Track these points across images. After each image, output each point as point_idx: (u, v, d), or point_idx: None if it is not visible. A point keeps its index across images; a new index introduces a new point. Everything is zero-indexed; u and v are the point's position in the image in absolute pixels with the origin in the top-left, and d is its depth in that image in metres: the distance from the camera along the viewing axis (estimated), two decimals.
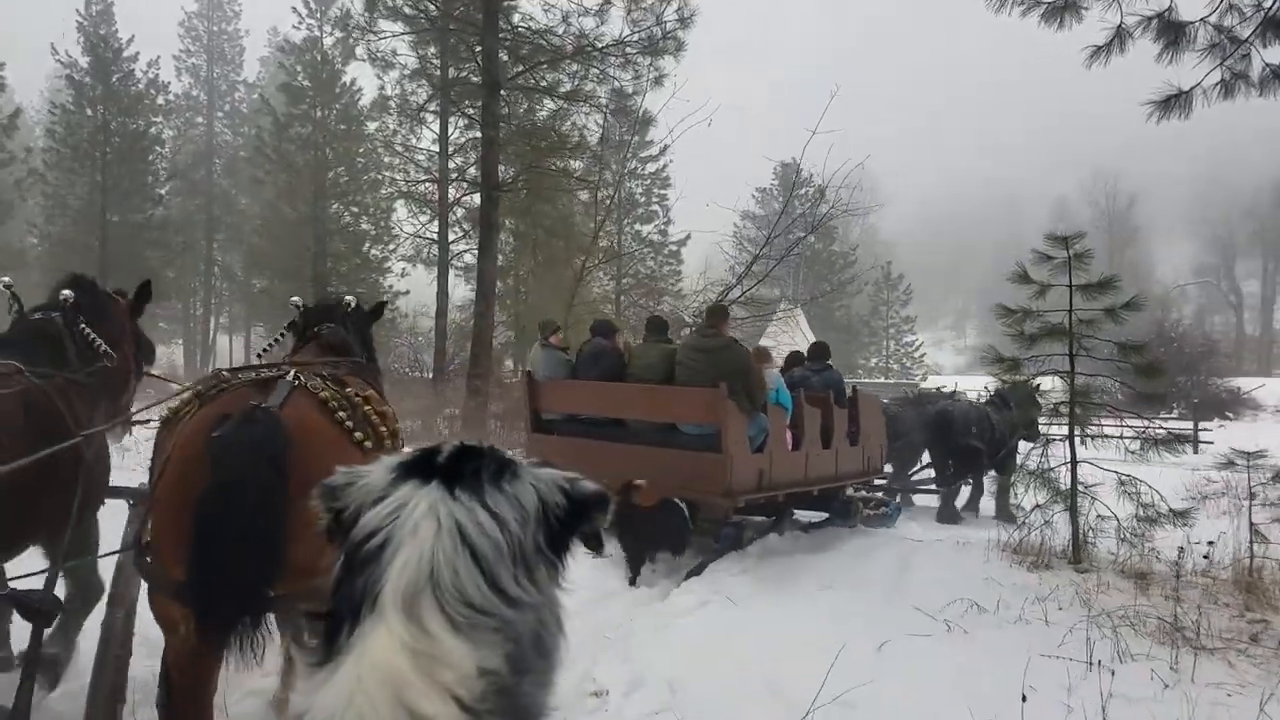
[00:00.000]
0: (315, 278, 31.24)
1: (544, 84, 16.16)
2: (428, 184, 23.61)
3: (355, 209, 33.81)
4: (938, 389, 18.21)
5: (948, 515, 11.43)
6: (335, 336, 4.00)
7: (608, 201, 16.22)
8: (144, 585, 3.11)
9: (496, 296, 18.50)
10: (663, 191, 28.88)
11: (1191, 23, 7.88)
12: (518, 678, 1.01)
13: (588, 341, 8.58)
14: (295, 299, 4.44)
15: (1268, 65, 7.62)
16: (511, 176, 16.23)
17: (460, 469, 1.13)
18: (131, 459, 8.90)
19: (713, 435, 7.20)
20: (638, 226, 30.41)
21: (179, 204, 40.00)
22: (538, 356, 9.00)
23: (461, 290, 27.57)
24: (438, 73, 20.49)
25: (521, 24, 15.80)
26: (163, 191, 35.83)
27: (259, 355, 3.90)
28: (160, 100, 36.12)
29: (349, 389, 3.25)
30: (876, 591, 6.45)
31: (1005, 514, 10.67)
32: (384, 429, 3.21)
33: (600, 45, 15.12)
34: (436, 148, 22.77)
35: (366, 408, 3.18)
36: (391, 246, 32.73)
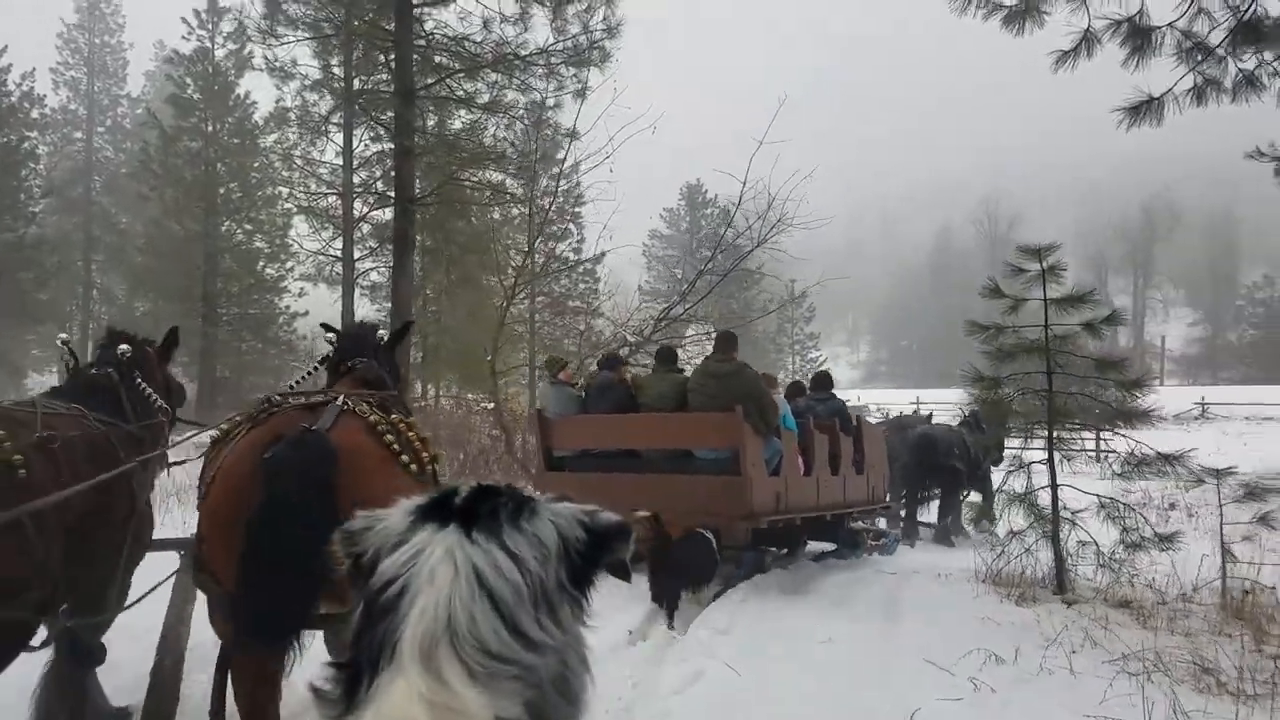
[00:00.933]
0: (205, 298, 29.41)
1: (461, 94, 15.27)
2: (331, 199, 22.29)
3: (249, 226, 32.03)
4: (915, 412, 18.49)
5: (942, 538, 11.75)
6: (370, 372, 3.92)
7: (539, 218, 15.36)
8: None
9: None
10: (577, 209, 28.08)
11: (1160, 28, 7.63)
12: None
13: (594, 375, 8.72)
14: (330, 335, 4.34)
15: (1241, 71, 7.41)
16: (427, 190, 15.20)
17: (477, 510, 1.11)
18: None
19: (729, 459, 7.28)
20: (552, 244, 29.61)
21: (55, 222, 37.29)
22: (548, 394, 9.07)
23: (366, 309, 26.15)
24: (341, 83, 19.32)
25: (437, 30, 14.89)
26: (37, 209, 33.32)
27: (293, 385, 3.93)
28: (35, 114, 34.03)
29: (393, 415, 3.28)
30: (880, 644, 5.81)
31: (945, 538, 11.57)
32: (425, 454, 3.18)
33: (522, 54, 14.31)
34: (340, 161, 21.49)
35: (410, 433, 3.18)
36: (289, 265, 31.04)
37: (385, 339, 4.27)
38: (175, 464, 4.40)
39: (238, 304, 31.74)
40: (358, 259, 22.45)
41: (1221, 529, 7.74)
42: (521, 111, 15.20)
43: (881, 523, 11.45)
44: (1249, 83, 7.34)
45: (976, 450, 11.89)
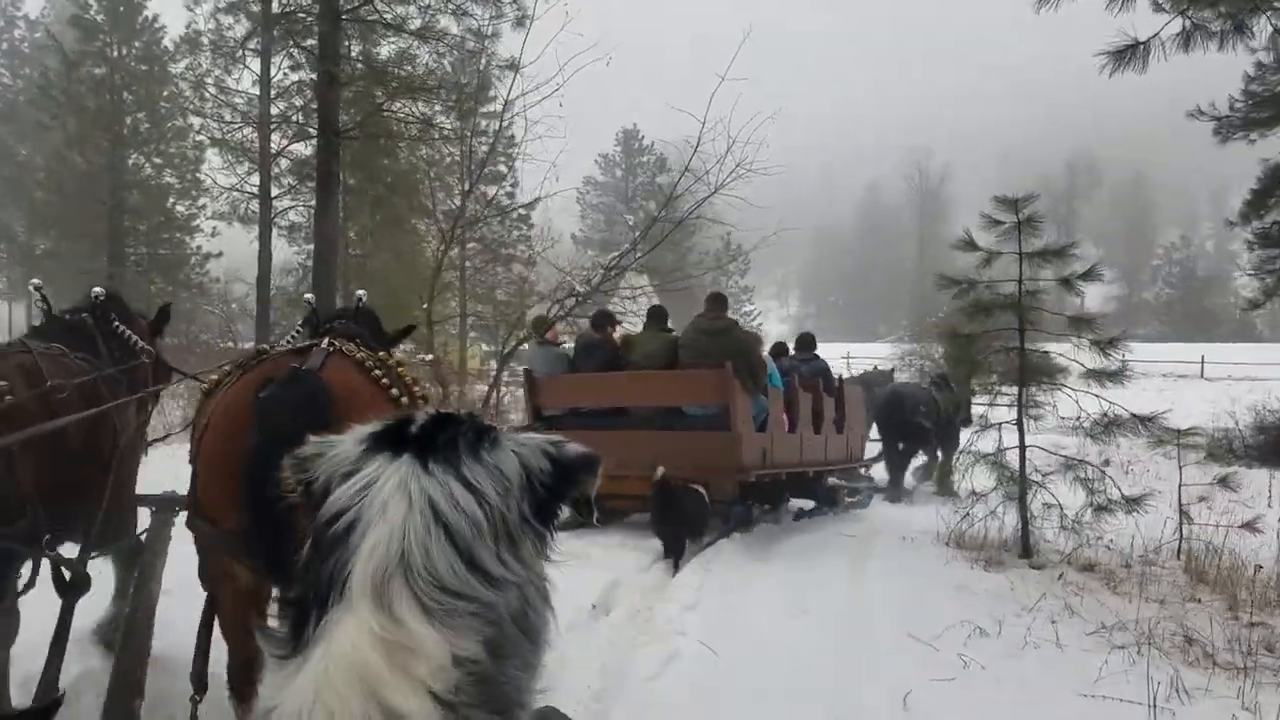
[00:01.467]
0: (111, 236, 27.63)
1: (390, 18, 14.20)
2: (247, 131, 20.87)
3: (158, 160, 30.11)
4: (875, 369, 18.57)
5: (895, 496, 11.77)
6: (349, 330, 3.75)
7: (478, 157, 14.44)
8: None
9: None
10: (514, 150, 26.99)
11: None
12: (499, 663, 0.95)
13: (583, 333, 8.92)
14: (308, 296, 4.56)
15: (1229, 16, 7.07)
16: (353, 122, 14.16)
17: (434, 439, 1.05)
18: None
19: (719, 415, 7.41)
20: (482, 188, 28.39)
21: None
22: (535, 353, 9.21)
23: (285, 252, 24.84)
24: (260, 5, 17.93)
25: None
26: None
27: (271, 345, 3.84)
28: None
29: (380, 353, 3.33)
30: (858, 617, 5.44)
31: (897, 496, 11.68)
32: (417, 389, 3.24)
33: None
34: (257, 90, 20.04)
35: (401, 369, 3.24)
36: (201, 202, 29.31)
37: (362, 304, 4.21)
38: (157, 440, 4.52)
39: (146, 243, 29.98)
40: (275, 197, 21.14)
41: (1180, 491, 7.60)
42: (457, 39, 14.22)
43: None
44: (1238, 30, 7.01)
45: (947, 408, 11.93)
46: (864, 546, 7.45)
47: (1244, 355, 40.03)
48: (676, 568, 6.48)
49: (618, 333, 9.10)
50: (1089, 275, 7.36)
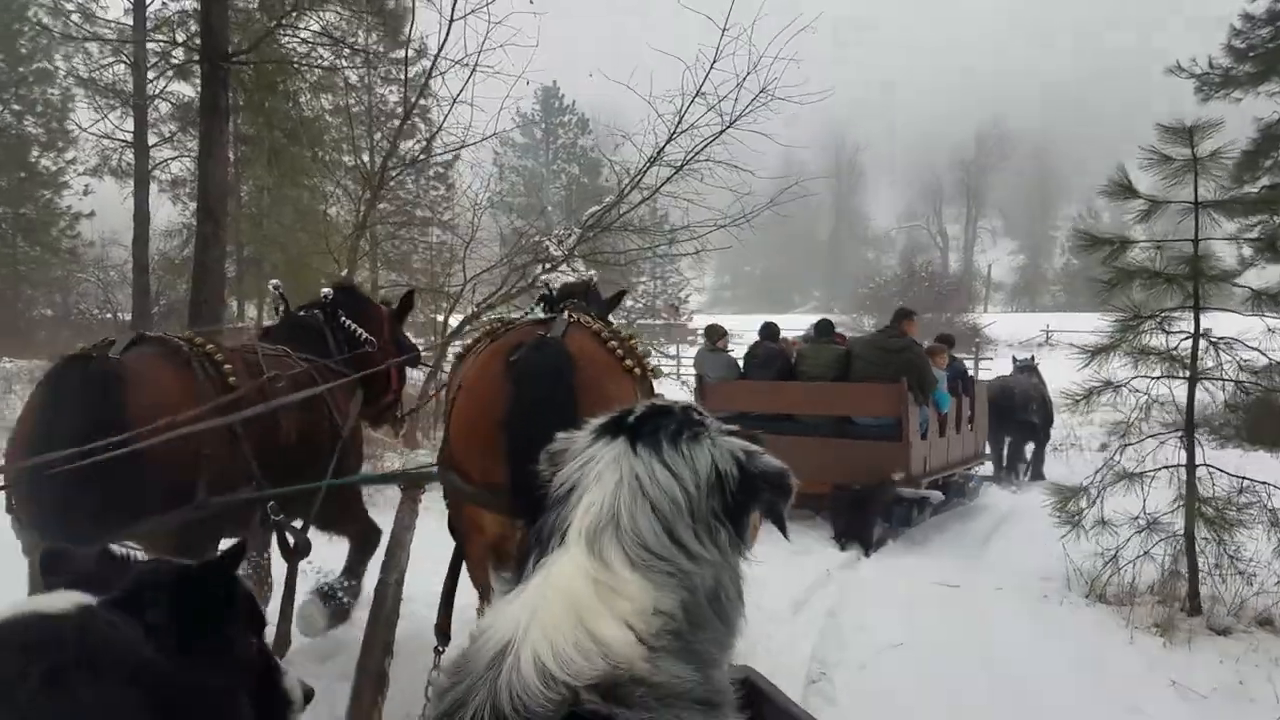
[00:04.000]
0: None
1: None
2: (119, 69, 17.86)
3: (18, 106, 26.36)
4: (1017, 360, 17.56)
5: (1005, 480, 12.04)
6: (581, 307, 3.93)
7: (397, 103, 12.00)
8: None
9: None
10: (425, 101, 24.34)
11: None
12: (694, 629, 1.08)
13: (758, 344, 9.48)
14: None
15: None
16: (245, 45, 11.60)
17: (643, 427, 1.24)
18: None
19: (891, 426, 8.00)
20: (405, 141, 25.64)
21: None
22: (705, 359, 9.89)
23: (168, 212, 21.69)
24: None
25: None
26: None
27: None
28: None
29: (614, 325, 3.69)
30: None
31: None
32: (647, 361, 3.41)
33: None
34: (131, 21, 17.04)
35: (633, 341, 3.45)
36: (69, 155, 25.81)
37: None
38: (410, 412, 5.34)
39: (7, 201, 26.32)
40: (154, 145, 18.23)
41: None
42: None
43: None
44: None
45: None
46: (990, 604, 5.66)
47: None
48: (867, 551, 7.48)
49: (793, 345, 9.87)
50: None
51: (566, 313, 3.38)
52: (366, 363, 4.32)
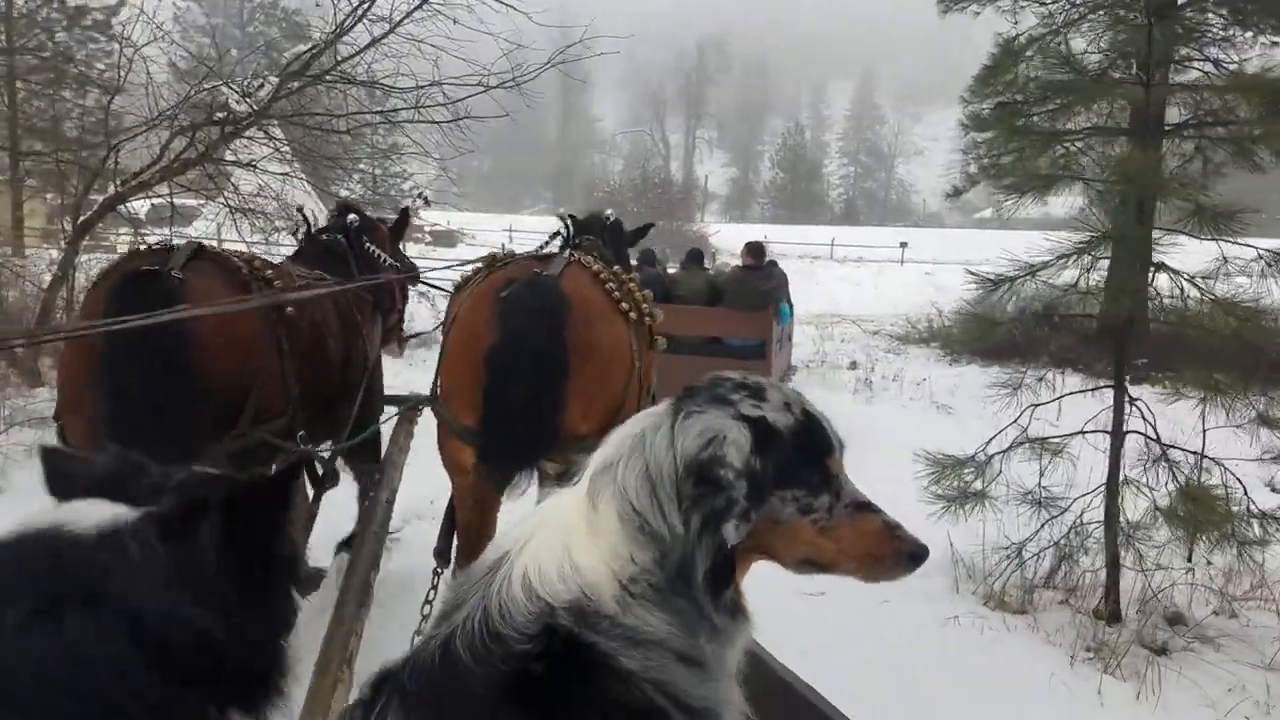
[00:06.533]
0: None
1: None
2: None
3: None
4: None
5: None
6: (594, 244, 4.00)
7: None
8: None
9: None
10: None
11: None
12: (672, 589, 1.13)
13: (638, 268, 9.32)
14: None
15: None
16: None
17: (697, 394, 1.26)
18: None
19: (758, 345, 9.16)
20: None
21: None
22: None
23: None
24: None
25: None
26: None
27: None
28: None
29: (615, 268, 3.47)
30: None
31: None
32: (644, 305, 3.32)
33: None
34: None
35: (630, 285, 3.31)
36: None
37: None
38: (410, 337, 5.09)
39: None
40: None
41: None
42: None
43: None
44: None
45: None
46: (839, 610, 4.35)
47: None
48: None
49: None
50: None
51: (569, 250, 3.43)
52: (378, 291, 4.37)
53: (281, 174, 9.22)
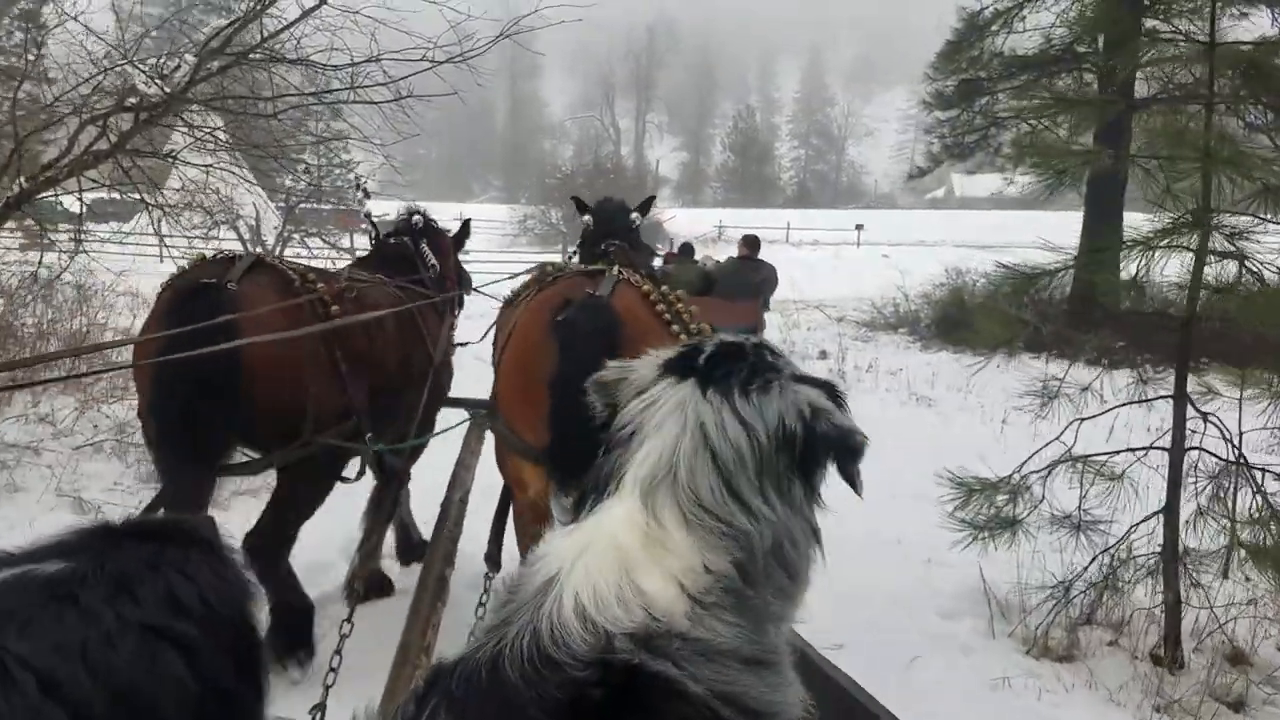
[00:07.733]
0: None
1: None
2: None
3: None
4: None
5: None
6: (628, 258, 4.02)
7: None
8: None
9: None
10: None
11: None
12: (751, 586, 1.04)
13: (678, 261, 11.19)
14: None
15: None
16: None
17: (715, 371, 1.13)
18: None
19: (749, 331, 8.85)
20: None
21: None
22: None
23: None
24: None
25: None
26: None
27: None
28: None
29: (663, 286, 3.45)
30: None
31: None
32: (693, 324, 3.23)
33: None
34: None
35: (679, 304, 3.28)
36: None
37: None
38: (461, 344, 4.88)
39: None
40: None
41: None
42: None
43: None
44: None
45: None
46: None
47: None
48: None
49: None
50: None
51: (616, 268, 3.33)
52: (445, 291, 4.52)
53: (205, 166, 8.33)
